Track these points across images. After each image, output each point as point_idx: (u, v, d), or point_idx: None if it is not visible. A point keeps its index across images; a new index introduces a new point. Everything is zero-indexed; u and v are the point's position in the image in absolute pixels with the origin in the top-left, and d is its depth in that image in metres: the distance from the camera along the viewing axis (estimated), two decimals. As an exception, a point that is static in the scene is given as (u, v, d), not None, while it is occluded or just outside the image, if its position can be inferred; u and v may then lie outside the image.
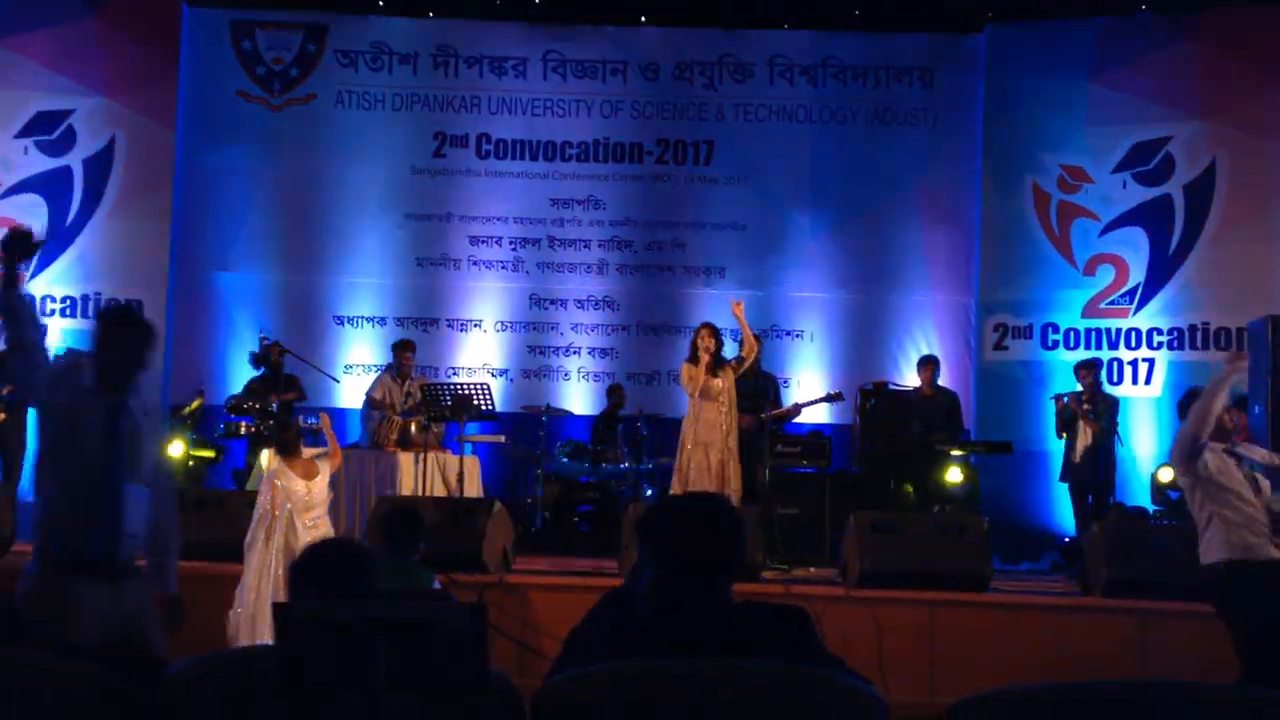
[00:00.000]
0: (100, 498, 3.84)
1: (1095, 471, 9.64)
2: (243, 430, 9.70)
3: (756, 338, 8.82)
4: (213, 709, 2.57)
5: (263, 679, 2.44)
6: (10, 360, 3.90)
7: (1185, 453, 5.53)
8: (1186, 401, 5.93)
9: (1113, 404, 9.90)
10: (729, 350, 8.97)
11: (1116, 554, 7.24)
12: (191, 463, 10.04)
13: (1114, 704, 2.52)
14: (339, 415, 10.76)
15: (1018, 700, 2.52)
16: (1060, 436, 9.90)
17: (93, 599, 3.79)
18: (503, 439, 10.22)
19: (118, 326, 3.97)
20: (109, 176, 11.42)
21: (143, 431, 3.95)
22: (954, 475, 9.79)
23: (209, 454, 10.27)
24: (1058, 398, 9.94)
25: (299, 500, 6.71)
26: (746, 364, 8.62)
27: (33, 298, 10.90)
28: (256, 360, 10.15)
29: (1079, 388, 9.89)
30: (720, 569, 2.82)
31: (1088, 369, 9.96)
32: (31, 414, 9.60)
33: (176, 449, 10.12)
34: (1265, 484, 5.67)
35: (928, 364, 10.28)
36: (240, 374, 10.57)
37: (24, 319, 3.86)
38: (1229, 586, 5.44)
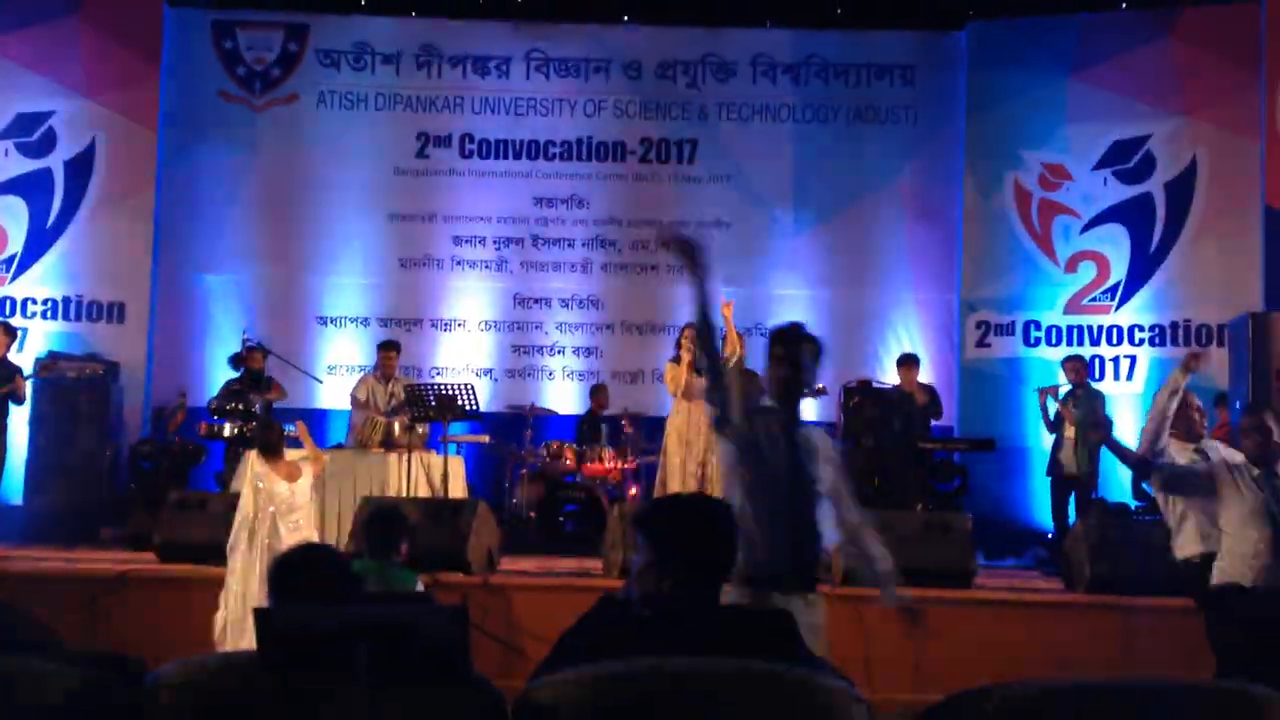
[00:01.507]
0: (791, 514, 3.86)
1: (1078, 467, 9.67)
2: (225, 432, 9.67)
3: (740, 337, 8.82)
4: (195, 714, 2.55)
5: (245, 683, 2.43)
6: (711, 388, 3.95)
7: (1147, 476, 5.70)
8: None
9: (1098, 400, 9.92)
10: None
11: (1099, 550, 7.28)
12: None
13: (1098, 700, 2.53)
14: (320, 416, 10.76)
15: (1002, 697, 2.52)
16: (1052, 431, 9.94)
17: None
18: (487, 439, 10.21)
19: (793, 343, 4.00)
20: (90, 178, 11.36)
21: (816, 445, 3.98)
22: (938, 472, 9.82)
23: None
24: (1041, 391, 9.97)
25: (282, 502, 6.68)
26: (729, 363, 8.60)
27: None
28: (236, 361, 10.13)
29: (1062, 383, 9.94)
30: (718, 570, 2.85)
31: (1073, 364, 10.00)
32: (12, 411, 9.55)
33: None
34: None
35: (907, 362, 10.30)
36: (223, 375, 10.54)
37: (717, 339, 3.96)
38: (1204, 580, 5.49)
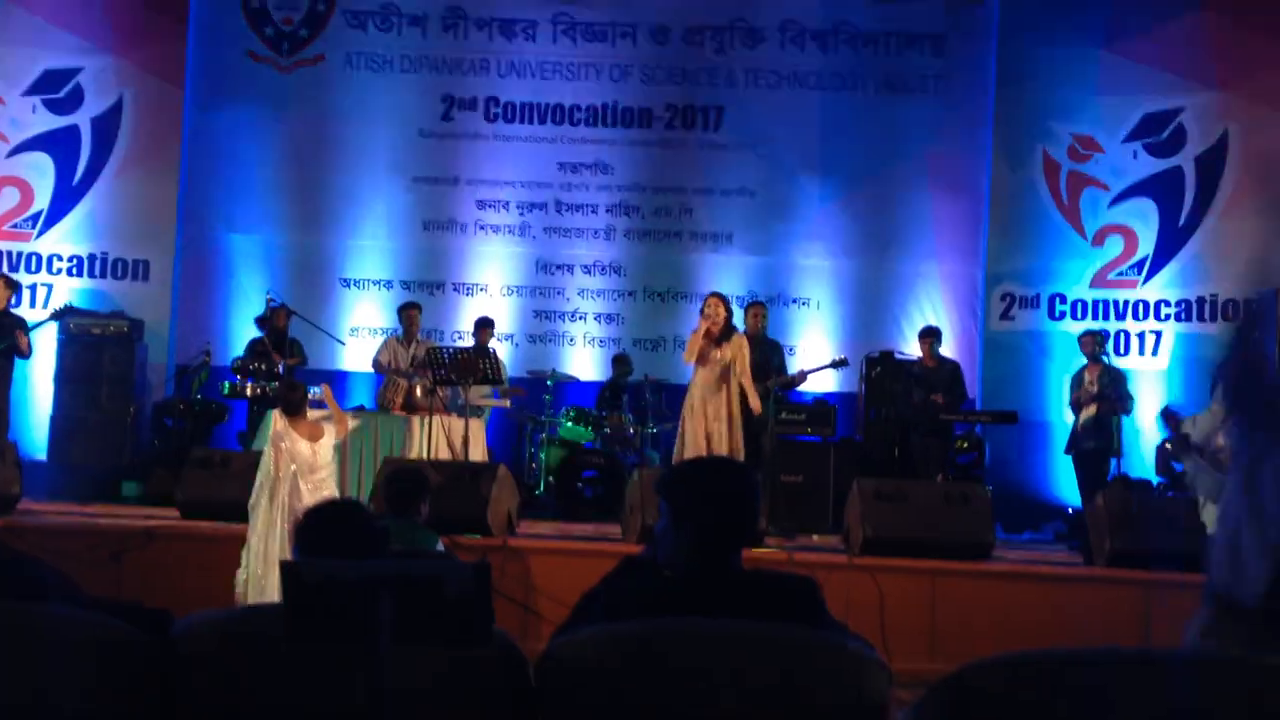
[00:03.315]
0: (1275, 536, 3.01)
1: (1097, 443, 9.65)
2: (248, 391, 9.72)
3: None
4: (218, 666, 2.58)
5: (270, 636, 2.45)
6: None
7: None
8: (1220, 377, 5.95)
9: (1118, 377, 9.89)
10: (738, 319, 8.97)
11: (1119, 525, 7.26)
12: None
13: (1114, 669, 2.52)
14: (342, 378, 10.80)
15: (1016, 666, 2.52)
16: (1076, 411, 9.93)
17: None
18: (508, 404, 10.23)
19: None
20: (117, 135, 11.39)
21: None
22: (958, 444, 9.81)
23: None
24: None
25: (304, 462, 6.71)
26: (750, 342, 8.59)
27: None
28: (261, 321, 10.18)
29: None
30: (740, 534, 2.86)
31: (1091, 338, 9.96)
32: (21, 365, 9.60)
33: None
34: None
35: (928, 335, 10.25)
36: (247, 334, 10.59)
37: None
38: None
